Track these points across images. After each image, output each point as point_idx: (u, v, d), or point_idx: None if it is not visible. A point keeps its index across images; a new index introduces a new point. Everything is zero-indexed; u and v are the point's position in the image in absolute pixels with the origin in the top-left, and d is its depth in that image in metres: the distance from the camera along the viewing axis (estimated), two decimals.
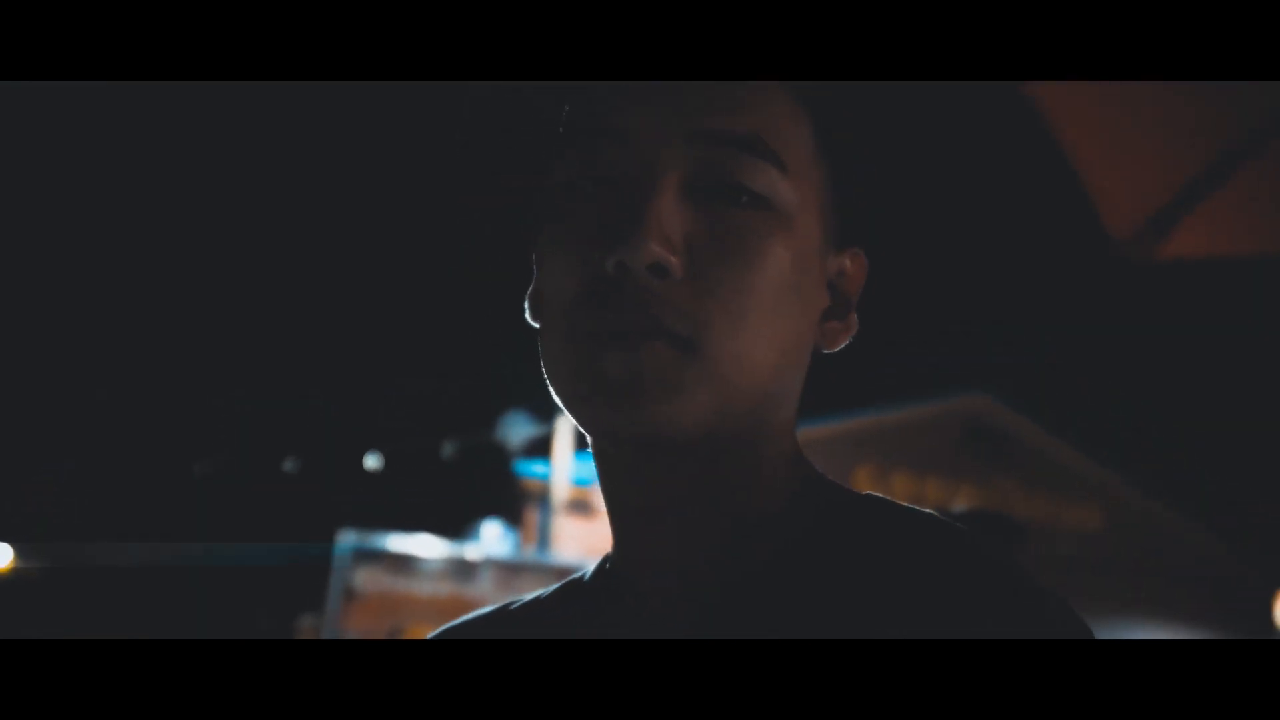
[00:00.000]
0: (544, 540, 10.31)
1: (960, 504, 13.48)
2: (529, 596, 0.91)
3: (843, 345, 0.83)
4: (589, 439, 0.81)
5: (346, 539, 7.71)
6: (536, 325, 0.83)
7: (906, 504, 0.78)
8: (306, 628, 10.84)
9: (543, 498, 10.76)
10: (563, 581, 0.91)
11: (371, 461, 11.58)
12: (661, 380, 0.71)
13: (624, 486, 0.79)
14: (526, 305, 0.84)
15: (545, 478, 10.76)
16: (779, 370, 0.76)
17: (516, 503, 12.10)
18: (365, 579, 7.77)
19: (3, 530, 12.56)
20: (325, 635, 7.63)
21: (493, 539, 10.61)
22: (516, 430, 11.27)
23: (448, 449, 11.32)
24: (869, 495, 0.80)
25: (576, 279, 0.74)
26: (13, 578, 12.67)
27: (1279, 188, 2.00)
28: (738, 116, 0.74)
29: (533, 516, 11.63)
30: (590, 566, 0.89)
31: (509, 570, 8.12)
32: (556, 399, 0.78)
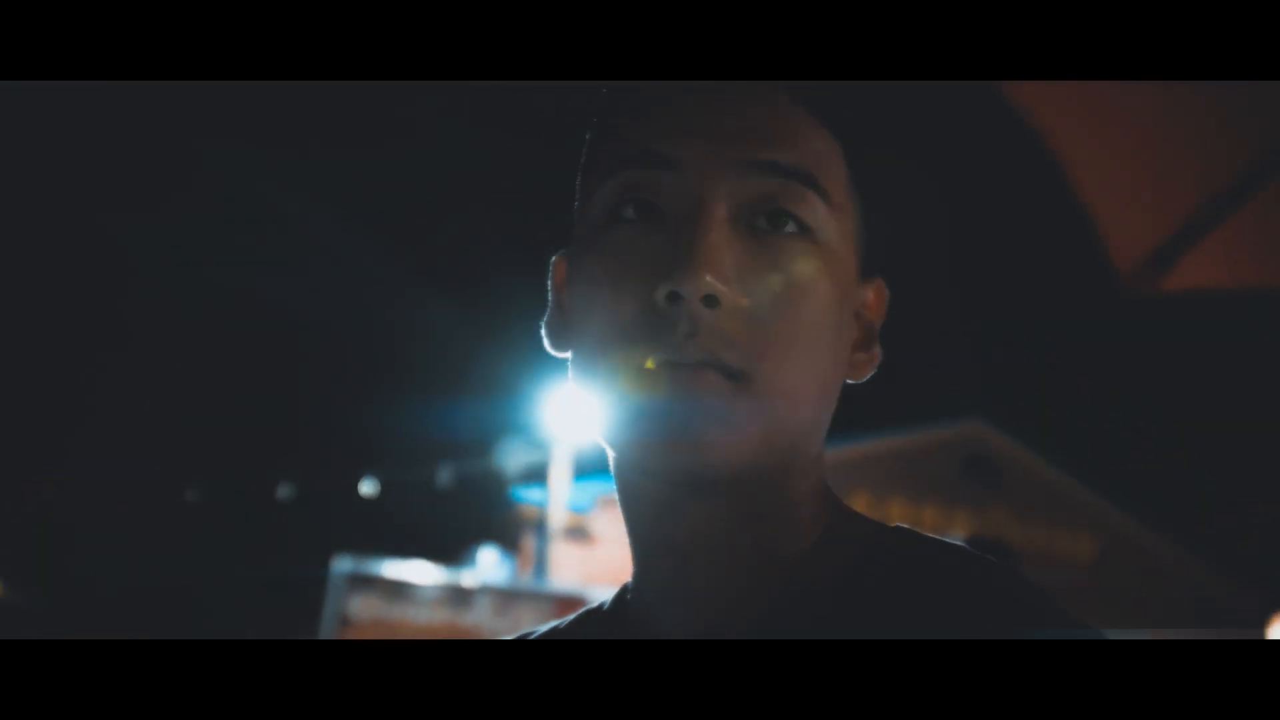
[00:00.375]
0: (541, 567, 10.27)
1: (957, 531, 13.47)
2: (546, 626, 0.89)
3: (868, 376, 0.82)
4: (617, 473, 0.80)
5: (341, 565, 7.67)
6: (557, 354, 0.82)
7: (935, 536, 0.77)
8: None
9: (539, 524, 10.73)
10: (580, 611, 0.89)
11: (367, 487, 11.55)
12: (715, 412, 0.70)
13: (654, 521, 0.78)
14: (545, 334, 0.83)
15: (542, 504, 10.73)
16: (819, 402, 0.76)
17: (513, 529, 12.07)
18: (360, 605, 7.72)
19: None
20: None
21: (489, 566, 10.56)
22: (513, 457, 11.24)
23: (444, 475, 11.30)
24: (898, 528, 0.79)
25: (624, 310, 0.73)
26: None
27: None
28: (786, 149, 0.74)
29: (529, 543, 11.60)
30: (609, 596, 0.87)
31: (505, 597, 8.07)
32: (601, 433, 0.76)
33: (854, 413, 0.84)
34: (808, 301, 0.73)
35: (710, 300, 0.70)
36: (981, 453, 14.30)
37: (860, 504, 13.51)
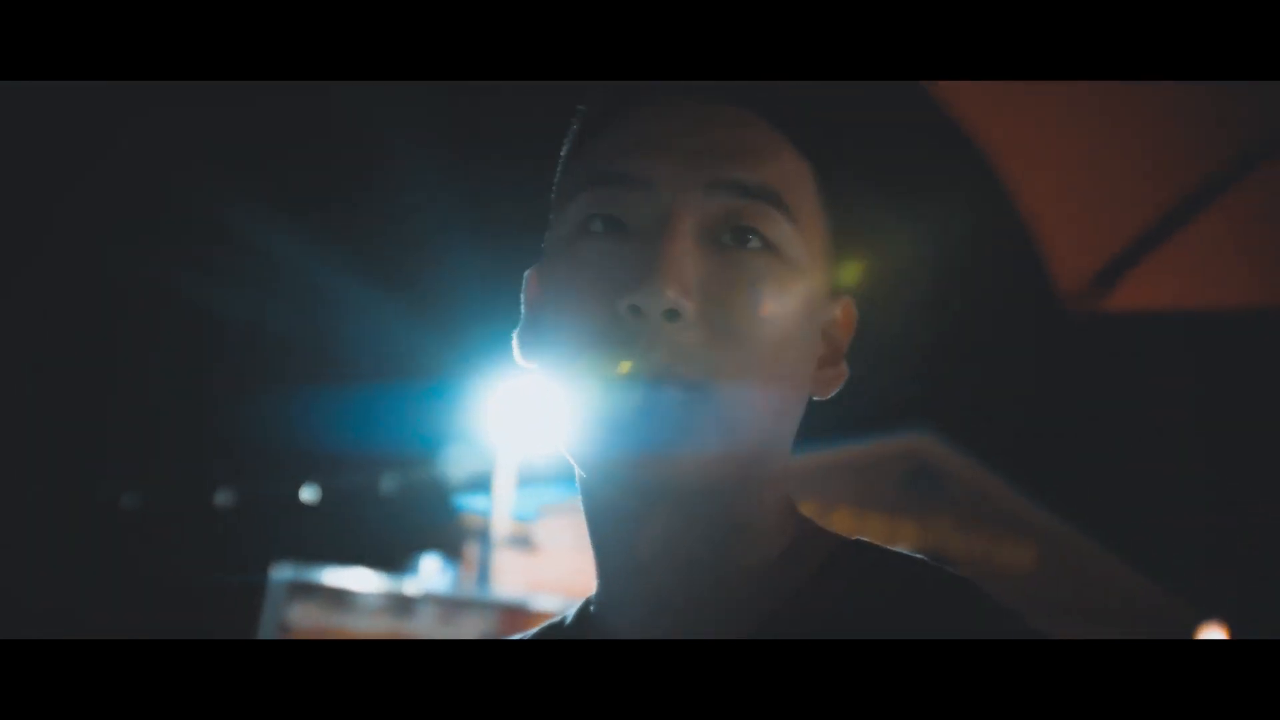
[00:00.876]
0: (484, 575, 10.22)
1: (900, 544, 13.60)
2: (511, 640, 0.90)
3: (834, 393, 0.83)
4: (581, 485, 0.80)
5: (281, 572, 7.57)
6: (525, 365, 0.83)
7: (897, 549, 0.78)
8: None
9: (483, 532, 10.69)
10: (543, 625, 0.90)
11: (308, 494, 11.42)
12: (673, 424, 0.71)
13: (618, 533, 0.78)
14: (516, 345, 0.84)
15: (486, 512, 10.68)
16: (780, 417, 0.77)
17: (457, 537, 12.01)
18: (300, 613, 7.61)
19: None
20: None
21: (432, 574, 10.49)
22: (457, 464, 11.19)
23: (387, 482, 11.21)
24: (859, 541, 0.80)
25: (590, 321, 0.74)
26: None
27: (1225, 243, 2.04)
28: (754, 168, 0.76)
29: (473, 551, 11.55)
30: (571, 610, 0.88)
31: (448, 606, 8.00)
32: (563, 442, 0.77)
33: (801, 423, 0.82)
34: (770, 317, 0.74)
35: (671, 314, 0.71)
36: (926, 464, 14.48)
37: (806, 513, 13.60)
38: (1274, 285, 2.11)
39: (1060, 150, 1.95)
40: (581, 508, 0.81)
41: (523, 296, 0.86)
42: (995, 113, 1.86)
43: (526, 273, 0.86)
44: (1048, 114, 1.87)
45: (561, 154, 0.83)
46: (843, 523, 13.46)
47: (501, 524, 10.50)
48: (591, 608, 0.85)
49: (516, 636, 0.90)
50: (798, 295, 0.76)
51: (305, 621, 7.61)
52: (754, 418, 0.74)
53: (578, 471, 0.79)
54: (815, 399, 0.82)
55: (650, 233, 0.74)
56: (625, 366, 0.72)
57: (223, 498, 11.97)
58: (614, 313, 0.73)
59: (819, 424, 0.86)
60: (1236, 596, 14.62)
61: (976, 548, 14.47)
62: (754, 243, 0.75)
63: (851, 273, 0.84)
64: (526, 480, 10.95)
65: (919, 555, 0.77)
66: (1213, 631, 14.53)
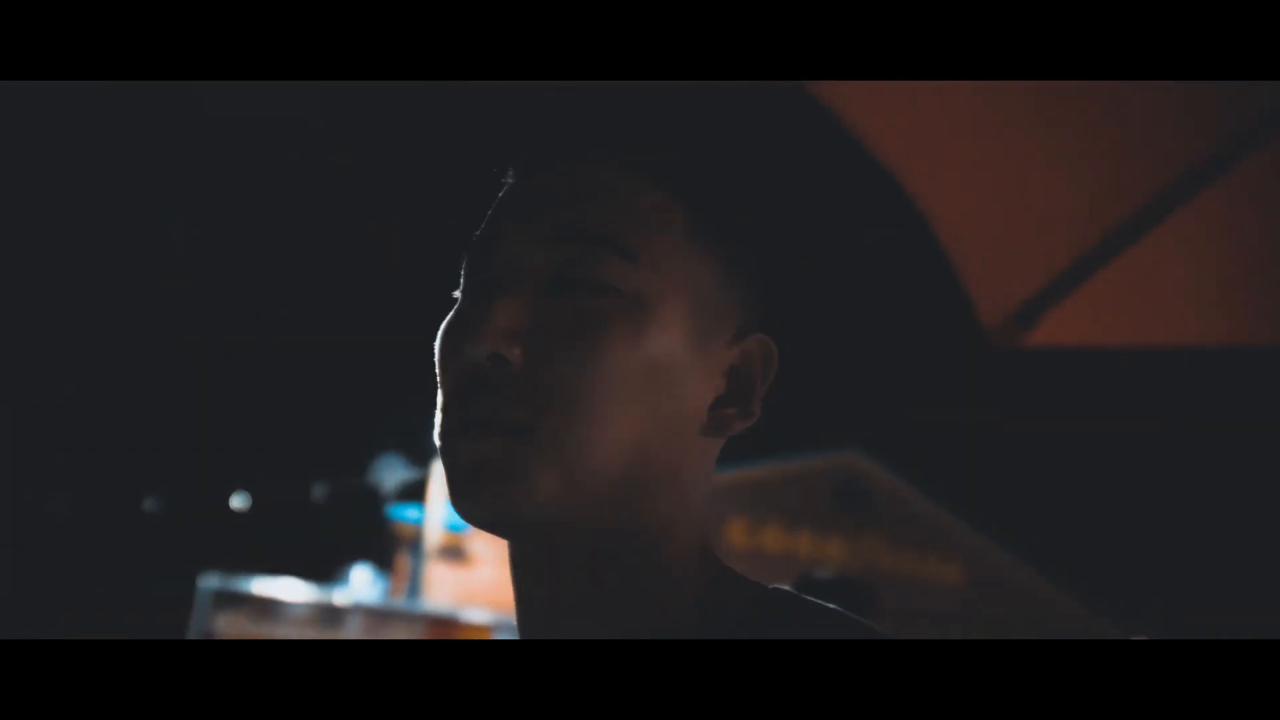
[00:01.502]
0: (415, 586, 10.14)
1: (829, 557, 13.70)
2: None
3: (738, 432, 0.82)
4: None
5: (208, 581, 7.45)
6: None
7: (817, 602, 0.78)
8: None
9: (415, 543, 10.60)
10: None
11: (237, 501, 11.28)
12: (499, 468, 0.73)
13: (524, 580, 0.80)
14: None
15: (418, 522, 10.60)
16: (640, 455, 0.76)
17: (388, 547, 11.90)
18: (226, 623, 7.48)
19: None
20: None
21: (362, 584, 10.38)
22: (390, 473, 11.09)
23: (318, 490, 11.10)
24: (777, 590, 0.80)
25: (448, 373, 0.78)
26: None
27: (1149, 281, 2.08)
28: (588, 213, 0.77)
29: (404, 562, 11.45)
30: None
31: (377, 617, 7.90)
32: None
33: (732, 441, 0.83)
34: (601, 357, 0.74)
35: (497, 359, 0.74)
36: (855, 482, 14.59)
37: (736, 531, 13.67)
38: (1198, 324, 2.17)
39: (979, 185, 2.00)
40: None
41: None
42: (913, 142, 1.91)
43: None
44: (969, 144, 1.91)
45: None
46: (773, 539, 13.53)
47: (434, 535, 10.43)
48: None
49: None
50: (639, 333, 0.76)
51: (231, 631, 7.49)
52: (591, 457, 0.74)
53: None
54: (714, 438, 0.81)
55: (496, 286, 0.78)
56: (464, 414, 0.75)
57: (151, 504, 11.77)
58: (460, 365, 0.77)
59: (748, 441, 0.87)
60: (1159, 615, 14.93)
61: (905, 565, 14.61)
62: (587, 287, 0.76)
63: (767, 308, 0.83)
64: None
65: (833, 608, 0.77)
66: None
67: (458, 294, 0.83)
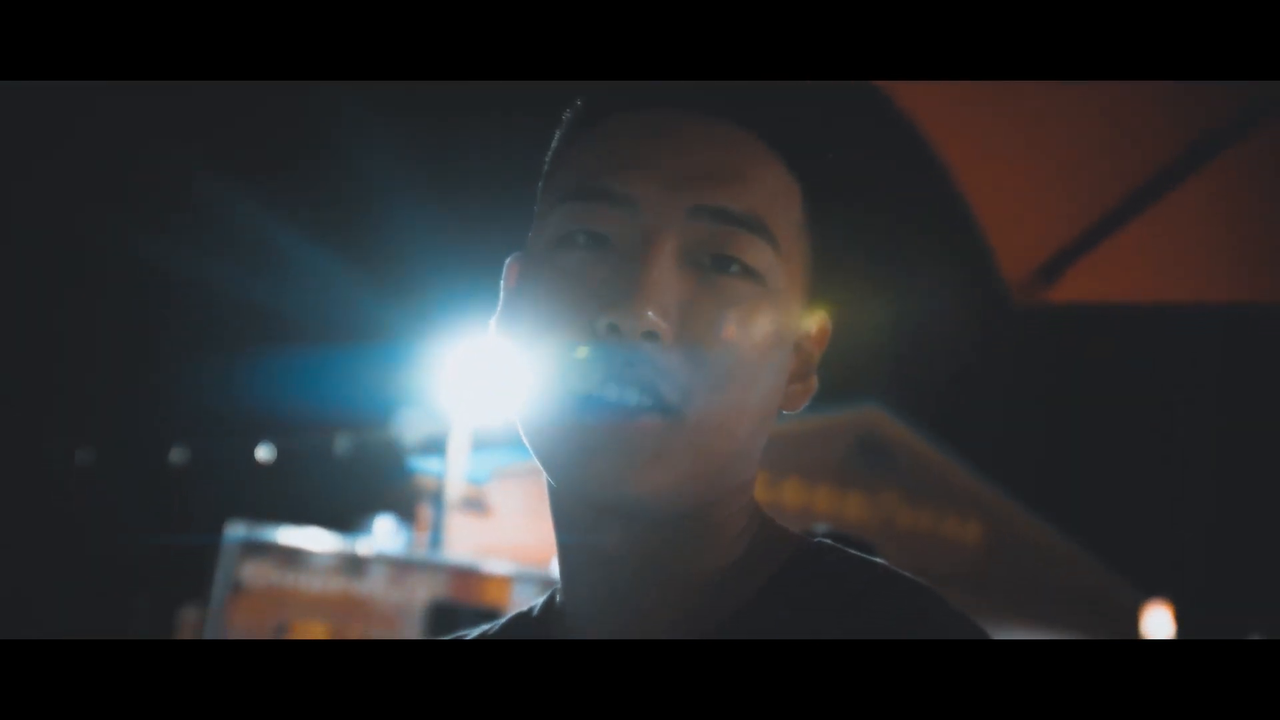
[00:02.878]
0: (436, 537, 10.23)
1: (848, 516, 13.72)
2: (476, 631, 0.91)
3: (803, 407, 0.83)
4: (549, 489, 0.81)
5: (235, 530, 7.52)
6: (502, 343, 0.83)
7: (858, 554, 0.79)
8: (189, 620, 10.59)
9: (436, 495, 10.67)
10: (509, 615, 0.91)
11: (263, 453, 11.37)
12: (647, 450, 0.72)
13: (579, 535, 0.79)
14: (493, 328, 0.84)
15: (440, 475, 10.67)
16: (751, 435, 0.77)
17: (410, 499, 11.98)
18: (252, 572, 7.55)
19: None
20: (209, 628, 7.41)
21: (385, 535, 10.49)
22: (412, 426, 11.16)
23: (342, 442, 11.18)
24: (820, 543, 0.80)
25: (566, 334, 0.74)
26: None
27: (1170, 239, 2.09)
28: (738, 194, 0.75)
29: (426, 513, 11.53)
30: (538, 601, 0.89)
31: (400, 567, 7.97)
32: (533, 452, 0.77)
33: None
34: (747, 342, 0.74)
35: (649, 335, 0.72)
36: (876, 437, 14.58)
37: (756, 485, 13.67)
38: (1217, 282, 2.18)
39: (1006, 142, 2.01)
40: (550, 507, 0.81)
41: (502, 284, 0.86)
42: (943, 106, 1.92)
43: (508, 260, 0.86)
44: (996, 107, 1.92)
45: (551, 148, 0.83)
46: (793, 493, 13.57)
47: (455, 487, 10.51)
48: (557, 600, 0.85)
49: (485, 626, 0.90)
50: (775, 320, 0.76)
51: (258, 580, 7.57)
52: (725, 439, 0.74)
53: (546, 476, 0.79)
54: (785, 412, 0.82)
55: (631, 251, 0.74)
56: (599, 386, 0.72)
57: (178, 455, 11.88)
58: (591, 329, 0.73)
59: None
60: (1179, 576, 14.92)
61: (923, 521, 14.64)
62: (735, 269, 0.74)
63: (831, 288, 0.84)
64: (480, 443, 10.94)
65: (879, 560, 0.77)
66: (1158, 611, 14.77)
67: (543, 240, 0.78)
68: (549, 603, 0.87)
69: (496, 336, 0.84)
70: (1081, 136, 1.99)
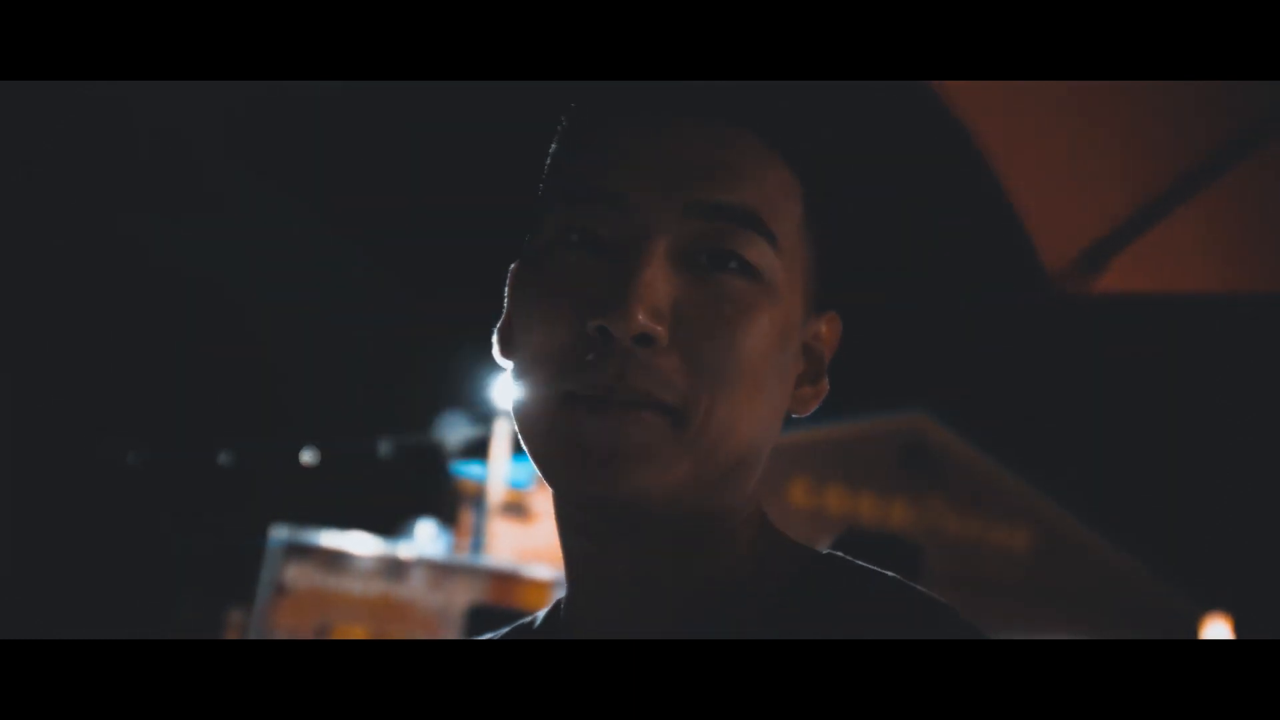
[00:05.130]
0: (478, 542, 10.28)
1: (892, 519, 13.60)
2: (481, 639, 0.89)
3: (813, 410, 0.81)
4: (553, 497, 0.79)
5: (279, 533, 7.62)
6: (503, 361, 0.81)
7: (868, 566, 0.76)
8: (234, 621, 10.72)
9: (478, 499, 10.73)
10: (512, 625, 0.89)
11: (307, 457, 11.48)
12: (642, 451, 0.70)
13: (585, 548, 0.77)
14: (495, 340, 0.82)
15: (481, 479, 10.73)
16: (754, 439, 0.75)
17: (452, 503, 12.05)
18: (296, 574, 7.65)
19: None
20: (253, 629, 7.52)
21: (427, 539, 10.55)
22: (454, 431, 11.22)
23: (384, 447, 11.25)
24: (830, 555, 0.78)
25: (558, 336, 0.72)
26: None
27: (1218, 227, 2.03)
28: (734, 189, 0.73)
29: (467, 518, 11.59)
30: (540, 613, 0.87)
31: (441, 571, 8.03)
32: (528, 454, 0.76)
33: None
34: (746, 341, 0.72)
35: (643, 339, 0.69)
36: (921, 443, 14.44)
37: (798, 490, 13.61)
38: (1264, 272, 2.12)
39: (1046, 129, 1.95)
40: (555, 516, 0.80)
41: (506, 291, 0.83)
42: (980, 97, 1.87)
43: (511, 267, 0.84)
44: (1034, 96, 1.87)
45: (549, 154, 0.81)
46: (836, 500, 13.47)
47: (496, 491, 10.56)
48: (561, 613, 0.83)
49: (489, 635, 0.89)
50: (776, 319, 0.74)
51: (300, 582, 7.65)
52: (727, 442, 0.72)
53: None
54: (794, 416, 0.80)
55: (624, 251, 0.72)
56: (590, 390, 0.70)
57: (225, 459, 12.04)
58: (583, 332, 0.71)
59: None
60: (1237, 590, 14.60)
61: (972, 529, 14.48)
62: (733, 266, 0.72)
63: (837, 286, 0.82)
64: (522, 448, 10.98)
65: (889, 574, 0.75)
66: (1217, 624, 14.46)
67: (538, 242, 0.76)
68: (553, 613, 0.85)
69: (499, 352, 0.82)
70: (1124, 123, 1.94)
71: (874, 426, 13.98)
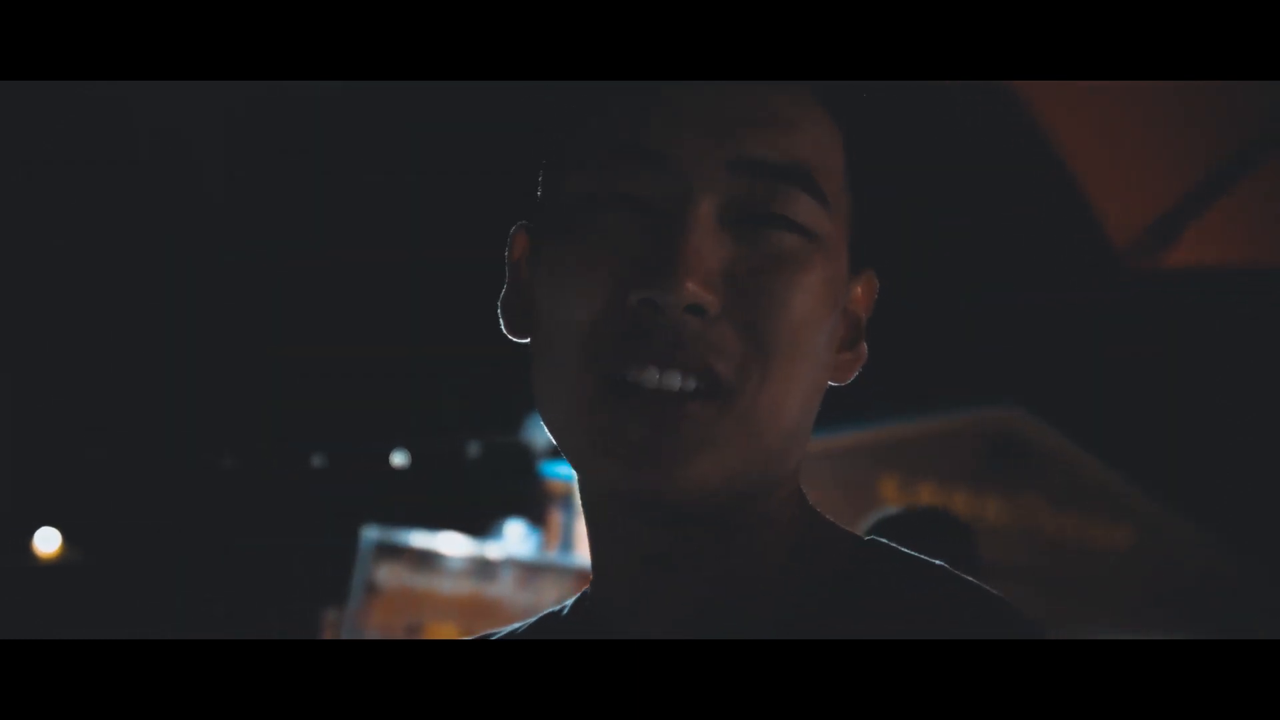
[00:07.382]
0: (567, 542, 10.33)
1: (987, 516, 13.37)
2: (505, 630, 0.85)
3: (853, 378, 0.77)
4: (582, 487, 0.74)
5: (370, 534, 7.76)
6: (516, 339, 0.76)
7: (909, 551, 0.72)
8: (329, 620, 10.93)
9: (566, 499, 10.78)
10: (539, 615, 0.85)
11: (398, 458, 11.65)
12: (696, 439, 0.65)
13: (621, 536, 0.72)
14: (502, 315, 0.77)
15: (569, 479, 10.77)
16: (801, 413, 0.70)
17: (540, 503, 12.14)
18: (387, 574, 7.81)
19: (50, 516, 12.83)
20: (345, 628, 7.67)
21: (516, 539, 10.63)
22: (541, 432, 11.28)
23: (474, 448, 11.37)
24: (873, 541, 0.74)
25: (594, 309, 0.67)
26: (59, 563, 12.98)
27: None
28: (780, 144, 0.68)
29: (556, 517, 11.67)
30: (567, 602, 0.83)
31: (530, 570, 8.13)
32: (559, 444, 0.71)
33: (884, 395, 0.79)
34: (802, 307, 0.68)
35: (694, 309, 0.65)
36: (1014, 438, 14.16)
37: (889, 488, 13.43)
38: None
39: (1110, 108, 1.91)
40: (582, 507, 0.76)
41: (507, 256, 0.78)
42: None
43: (513, 230, 0.78)
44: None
45: (568, 107, 0.76)
46: (927, 497, 13.26)
47: None
48: (588, 603, 0.80)
49: (514, 626, 0.85)
50: (829, 280, 0.70)
51: (391, 582, 7.80)
52: (776, 418, 0.68)
53: (576, 471, 0.73)
54: (833, 384, 0.75)
55: (667, 214, 0.66)
56: (641, 369, 0.65)
57: (318, 461, 12.29)
58: (624, 303, 0.66)
59: (903, 396, 0.81)
60: None
61: (1070, 525, 14.16)
62: (784, 226, 0.68)
63: (876, 243, 0.78)
64: None
65: (938, 561, 0.71)
66: None
67: (564, 204, 0.70)
68: (580, 602, 0.81)
69: (505, 323, 0.76)
70: (1189, 93, 1.88)
71: (965, 422, 13.77)
